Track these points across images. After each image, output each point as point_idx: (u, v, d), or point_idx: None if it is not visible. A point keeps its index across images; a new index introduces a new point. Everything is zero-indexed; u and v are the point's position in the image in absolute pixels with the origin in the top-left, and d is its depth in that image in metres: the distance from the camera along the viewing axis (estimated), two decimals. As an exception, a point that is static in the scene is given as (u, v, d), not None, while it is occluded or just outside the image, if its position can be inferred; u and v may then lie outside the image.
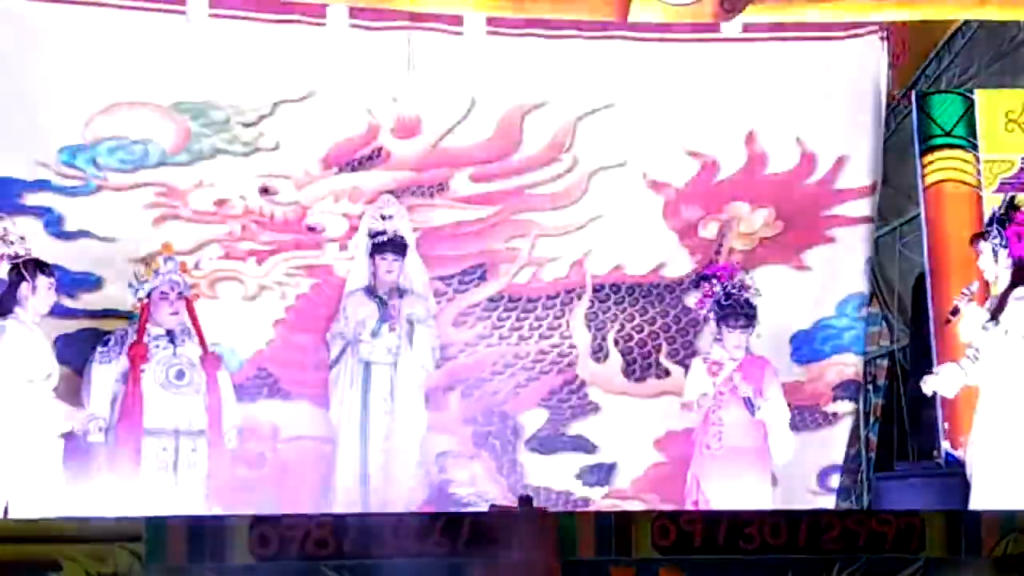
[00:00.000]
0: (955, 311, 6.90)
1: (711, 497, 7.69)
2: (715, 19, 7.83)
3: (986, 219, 7.00)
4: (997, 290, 6.86)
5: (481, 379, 8.63)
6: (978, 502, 6.61)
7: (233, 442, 7.87)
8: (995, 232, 6.84)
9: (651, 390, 8.72)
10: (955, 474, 7.17)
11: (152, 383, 7.62)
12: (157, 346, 7.71)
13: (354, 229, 8.48)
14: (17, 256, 7.17)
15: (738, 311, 7.85)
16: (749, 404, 7.70)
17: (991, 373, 6.76)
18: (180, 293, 7.77)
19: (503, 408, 8.65)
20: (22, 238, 7.21)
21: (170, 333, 7.77)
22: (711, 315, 7.97)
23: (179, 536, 5.23)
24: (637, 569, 5.37)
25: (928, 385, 7.08)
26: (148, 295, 7.73)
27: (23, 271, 7.13)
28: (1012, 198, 7.03)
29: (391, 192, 8.51)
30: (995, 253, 6.83)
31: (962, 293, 6.90)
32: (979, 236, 6.96)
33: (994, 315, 6.73)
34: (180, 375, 7.71)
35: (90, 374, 7.69)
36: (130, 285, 7.78)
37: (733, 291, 7.91)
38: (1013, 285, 6.78)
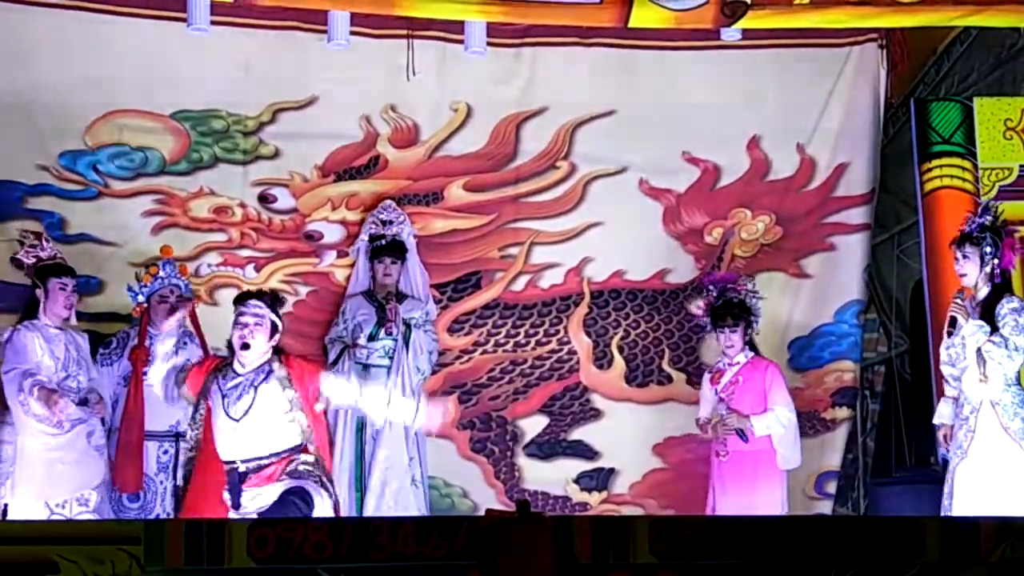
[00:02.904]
0: (953, 322, 6.86)
1: (721, 503, 7.67)
2: (715, 26, 7.81)
3: (972, 225, 6.91)
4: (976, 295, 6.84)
5: (478, 384, 8.64)
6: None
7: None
8: (989, 240, 6.77)
9: (653, 396, 8.74)
10: (953, 480, 7.16)
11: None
12: (159, 349, 7.72)
13: (352, 236, 8.51)
14: (30, 265, 7.23)
15: (725, 310, 7.85)
16: (741, 435, 7.65)
17: (981, 385, 6.71)
18: (180, 296, 7.78)
19: (501, 413, 8.66)
20: (31, 243, 7.26)
21: (171, 336, 7.78)
22: (708, 320, 7.99)
23: (177, 539, 5.22)
24: (634, 574, 5.36)
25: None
26: (147, 300, 7.74)
27: (34, 278, 7.20)
28: (989, 207, 6.99)
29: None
30: (983, 259, 6.78)
31: (956, 303, 6.84)
32: (966, 240, 6.85)
33: (994, 327, 6.64)
34: (181, 378, 7.72)
35: (91, 376, 7.71)
36: (129, 289, 7.78)
37: (727, 293, 7.91)
38: (998, 295, 6.72)
